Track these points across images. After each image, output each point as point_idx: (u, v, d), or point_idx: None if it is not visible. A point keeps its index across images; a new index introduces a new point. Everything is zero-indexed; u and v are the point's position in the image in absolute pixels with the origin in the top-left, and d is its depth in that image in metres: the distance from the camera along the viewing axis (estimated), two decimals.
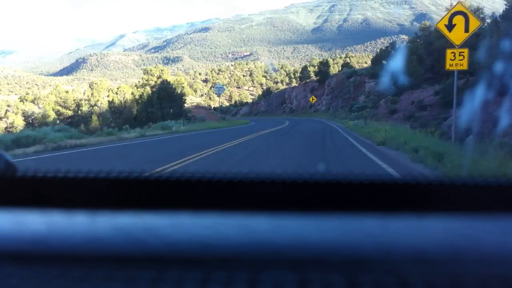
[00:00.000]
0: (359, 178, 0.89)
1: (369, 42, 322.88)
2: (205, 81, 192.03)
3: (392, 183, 0.89)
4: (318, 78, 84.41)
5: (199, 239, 0.75)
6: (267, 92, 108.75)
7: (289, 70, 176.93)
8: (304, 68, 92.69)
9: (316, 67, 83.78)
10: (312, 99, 72.91)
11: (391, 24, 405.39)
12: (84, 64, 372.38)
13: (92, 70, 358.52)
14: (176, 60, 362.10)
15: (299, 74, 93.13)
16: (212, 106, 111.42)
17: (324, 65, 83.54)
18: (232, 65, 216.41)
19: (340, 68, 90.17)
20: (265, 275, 0.66)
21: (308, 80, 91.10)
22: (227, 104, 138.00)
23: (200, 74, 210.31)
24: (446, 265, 0.68)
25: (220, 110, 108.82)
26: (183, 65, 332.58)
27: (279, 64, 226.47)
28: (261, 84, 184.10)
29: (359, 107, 48.41)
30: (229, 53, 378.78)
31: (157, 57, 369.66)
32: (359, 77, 67.03)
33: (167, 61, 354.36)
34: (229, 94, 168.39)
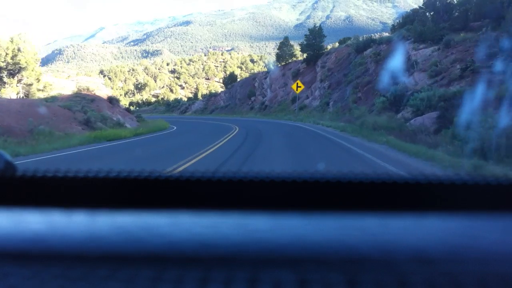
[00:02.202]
0: (359, 177, 0.86)
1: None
2: (173, 71, 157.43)
3: (392, 182, 0.87)
4: (305, 56, 50.21)
5: (198, 238, 0.73)
6: (229, 80, 74.48)
7: (268, 61, 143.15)
8: (285, 41, 56.98)
9: (304, 41, 48.19)
10: (297, 87, 37.94)
11: (374, 22, 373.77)
12: (60, 56, 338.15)
13: (68, 62, 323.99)
14: (155, 53, 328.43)
15: (276, 51, 56.75)
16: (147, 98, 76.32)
17: (316, 34, 48.16)
18: (205, 55, 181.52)
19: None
20: (265, 274, 0.64)
21: (290, 61, 55.68)
22: (190, 96, 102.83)
23: (168, 64, 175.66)
24: (445, 264, 0.66)
25: (167, 104, 73.75)
26: (162, 59, 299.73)
27: (258, 56, 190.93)
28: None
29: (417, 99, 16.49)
30: (210, 47, 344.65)
31: (136, 50, 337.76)
32: (385, 45, 32.98)
33: (146, 54, 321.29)
34: (195, 86, 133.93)
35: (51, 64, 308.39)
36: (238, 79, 72.80)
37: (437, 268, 0.65)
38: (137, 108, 77.57)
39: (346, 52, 41.60)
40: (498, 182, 0.86)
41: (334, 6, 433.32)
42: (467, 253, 0.69)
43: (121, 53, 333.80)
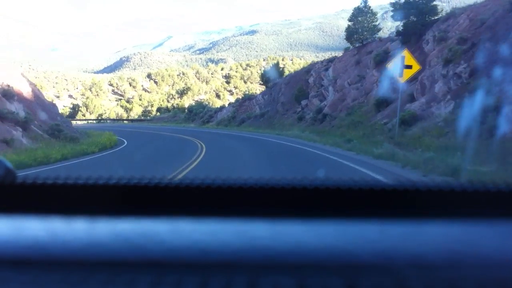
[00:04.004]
0: (358, 184, 0.85)
1: None
2: (227, 76, 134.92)
3: (391, 189, 0.85)
4: (401, 28, 24.58)
5: (198, 245, 0.71)
6: (274, 76, 46.48)
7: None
8: (362, 5, 31.38)
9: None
10: (403, 67, 12.16)
11: None
12: (127, 63, 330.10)
13: (134, 69, 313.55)
14: (220, 62, 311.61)
15: (347, 23, 31.12)
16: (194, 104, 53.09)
17: None
18: (264, 60, 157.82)
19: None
20: (264, 280, 0.63)
21: (369, 40, 30.09)
22: (232, 101, 79.01)
23: (222, 69, 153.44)
24: (444, 270, 0.65)
25: (189, 110, 50.16)
26: (222, 67, 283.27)
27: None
28: None
29: None
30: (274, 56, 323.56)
31: (201, 58, 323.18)
32: None
33: (211, 62, 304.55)
34: (246, 92, 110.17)
35: (118, 71, 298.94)
36: (286, 73, 47.51)
37: (436, 274, 0.63)
38: (149, 115, 55.85)
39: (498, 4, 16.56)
40: (497, 189, 0.84)
41: None
42: (466, 259, 0.67)
43: (186, 61, 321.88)
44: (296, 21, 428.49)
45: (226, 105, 52.62)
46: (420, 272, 0.64)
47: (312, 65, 38.53)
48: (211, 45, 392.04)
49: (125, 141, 24.56)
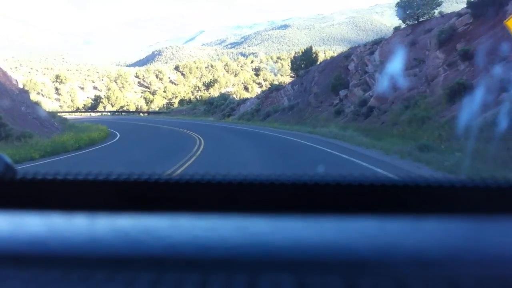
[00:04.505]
0: (358, 180, 0.84)
1: None
2: (257, 69, 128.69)
3: (391, 185, 0.84)
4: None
5: (198, 241, 0.71)
6: (303, 60, 39.28)
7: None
8: None
9: None
10: None
11: None
12: (159, 57, 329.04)
13: (166, 62, 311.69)
14: (251, 56, 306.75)
15: None
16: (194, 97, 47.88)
17: None
18: (296, 53, 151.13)
19: None
20: (264, 277, 0.62)
21: (427, 17, 23.15)
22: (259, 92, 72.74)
23: (252, 61, 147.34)
24: (444, 267, 0.64)
25: (209, 102, 44.05)
26: (252, 60, 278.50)
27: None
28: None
29: None
30: None
31: (232, 52, 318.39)
32: None
33: (243, 56, 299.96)
34: (272, 80, 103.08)
35: (150, 64, 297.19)
36: (320, 61, 40.48)
37: (436, 271, 0.63)
38: (171, 108, 50.31)
39: None
40: (497, 185, 0.83)
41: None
42: (466, 256, 0.67)
43: (217, 55, 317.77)
44: (329, 15, 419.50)
45: (251, 97, 46.15)
46: (420, 269, 0.63)
47: (353, 49, 31.74)
48: (242, 39, 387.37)
49: (107, 141, 18.82)
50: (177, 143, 17.58)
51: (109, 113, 64.90)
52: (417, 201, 0.84)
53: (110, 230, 0.76)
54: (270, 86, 46.38)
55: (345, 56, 30.54)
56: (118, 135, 21.82)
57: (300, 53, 40.61)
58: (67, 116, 43.17)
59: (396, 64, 22.98)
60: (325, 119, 25.70)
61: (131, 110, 69.02)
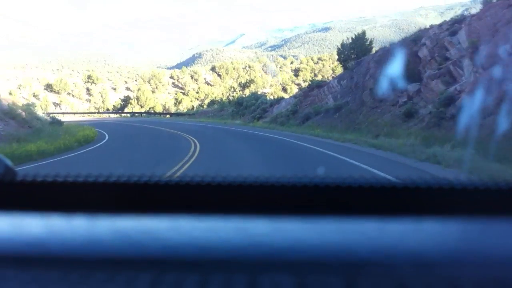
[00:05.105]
0: (358, 182, 0.83)
1: None
2: (296, 70, 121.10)
3: (391, 187, 0.84)
4: None
5: (198, 242, 0.70)
6: (352, 50, 30.17)
7: None
8: None
9: None
10: None
11: None
12: (199, 59, 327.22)
13: (206, 65, 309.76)
14: (290, 57, 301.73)
15: None
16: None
17: None
18: (344, 40, 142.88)
19: None
20: (264, 277, 0.62)
21: None
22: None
23: (292, 62, 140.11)
24: (444, 268, 0.63)
25: (238, 103, 36.06)
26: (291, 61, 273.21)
27: None
28: None
29: None
30: None
31: (272, 55, 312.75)
32: None
33: (282, 59, 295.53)
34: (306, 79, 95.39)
35: (190, 67, 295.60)
36: (375, 49, 32.40)
37: (436, 272, 0.62)
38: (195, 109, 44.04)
39: None
40: (497, 187, 0.82)
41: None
42: (466, 257, 0.66)
43: (257, 57, 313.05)
44: (371, 18, 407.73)
45: (287, 98, 38.22)
46: (419, 270, 0.63)
47: (423, 31, 23.50)
48: (283, 42, 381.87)
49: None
50: (156, 156, 10.61)
51: (128, 115, 58.94)
52: (417, 202, 0.83)
53: (110, 231, 0.75)
54: (310, 82, 38.24)
55: (412, 41, 22.64)
56: (90, 148, 15.16)
57: (350, 41, 32.67)
58: (75, 117, 37.30)
59: (496, 46, 15.14)
60: (389, 123, 18.08)
61: (152, 112, 62.79)
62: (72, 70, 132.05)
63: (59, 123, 26.11)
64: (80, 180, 0.85)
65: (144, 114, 57.06)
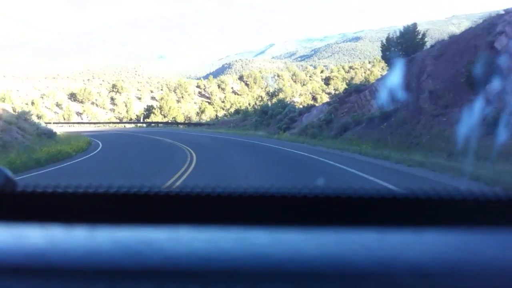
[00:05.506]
0: (358, 193, 0.83)
1: None
2: (327, 79, 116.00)
3: (390, 197, 0.83)
4: None
5: (198, 253, 0.70)
6: (400, 43, 25.50)
7: None
8: None
9: None
10: None
11: None
12: (229, 70, 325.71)
13: (234, 75, 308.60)
14: (320, 66, 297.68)
15: None
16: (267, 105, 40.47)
17: None
18: (370, 63, 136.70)
19: None
20: None
21: None
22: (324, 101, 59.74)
23: (322, 71, 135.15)
24: (444, 279, 0.63)
25: (263, 111, 31.46)
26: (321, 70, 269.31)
27: None
28: None
29: None
30: None
31: (301, 65, 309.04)
32: None
33: (312, 68, 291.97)
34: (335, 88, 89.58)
35: (219, 77, 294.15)
36: (428, 44, 27.27)
37: (435, 282, 0.62)
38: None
39: None
40: (497, 198, 0.82)
41: None
42: (465, 268, 0.66)
43: (287, 67, 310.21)
44: (402, 27, 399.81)
45: (313, 108, 31.35)
46: (419, 281, 0.62)
47: (497, 17, 18.41)
48: (312, 52, 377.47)
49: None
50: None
51: (144, 125, 55.03)
52: (417, 213, 0.82)
53: (110, 242, 0.75)
54: (347, 86, 33.03)
55: (484, 28, 17.53)
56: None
57: (398, 34, 27.58)
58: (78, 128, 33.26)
59: None
60: (461, 137, 13.06)
61: (169, 122, 58.71)
62: (103, 81, 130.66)
63: (50, 134, 22.10)
64: (80, 191, 0.85)
65: (161, 125, 53.04)
